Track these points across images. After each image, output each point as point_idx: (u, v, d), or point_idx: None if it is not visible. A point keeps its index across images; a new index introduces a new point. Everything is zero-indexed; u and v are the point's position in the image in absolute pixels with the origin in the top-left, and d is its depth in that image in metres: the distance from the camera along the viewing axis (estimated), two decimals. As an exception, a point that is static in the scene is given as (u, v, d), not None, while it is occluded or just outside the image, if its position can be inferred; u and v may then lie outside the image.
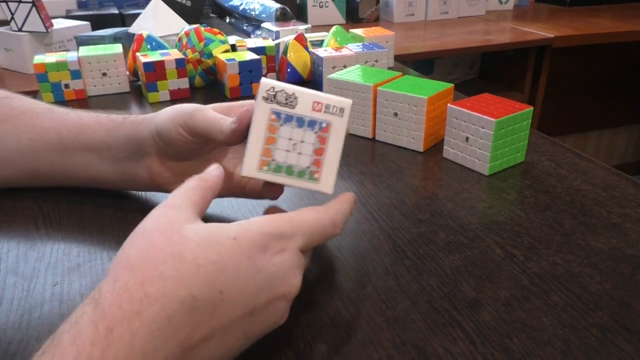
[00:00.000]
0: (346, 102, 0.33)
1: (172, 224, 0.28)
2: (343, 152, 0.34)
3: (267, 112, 0.32)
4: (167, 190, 0.43)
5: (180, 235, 0.27)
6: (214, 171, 0.33)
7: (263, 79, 0.32)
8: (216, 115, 0.37)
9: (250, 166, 0.33)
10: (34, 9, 1.10)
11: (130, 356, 0.23)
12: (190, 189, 0.31)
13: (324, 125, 0.33)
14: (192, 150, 0.41)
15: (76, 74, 0.76)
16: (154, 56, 0.75)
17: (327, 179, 0.33)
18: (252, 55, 0.77)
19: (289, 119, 0.32)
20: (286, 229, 0.29)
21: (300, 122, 0.32)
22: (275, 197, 0.39)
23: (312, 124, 0.33)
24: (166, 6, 1.12)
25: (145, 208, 0.47)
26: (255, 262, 0.27)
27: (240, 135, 0.35)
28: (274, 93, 0.32)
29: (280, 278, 0.28)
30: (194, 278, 0.25)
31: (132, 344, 0.23)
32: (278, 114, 0.32)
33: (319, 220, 0.31)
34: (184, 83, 0.76)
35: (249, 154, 0.33)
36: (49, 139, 0.45)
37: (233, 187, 0.42)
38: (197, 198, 0.31)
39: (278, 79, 0.84)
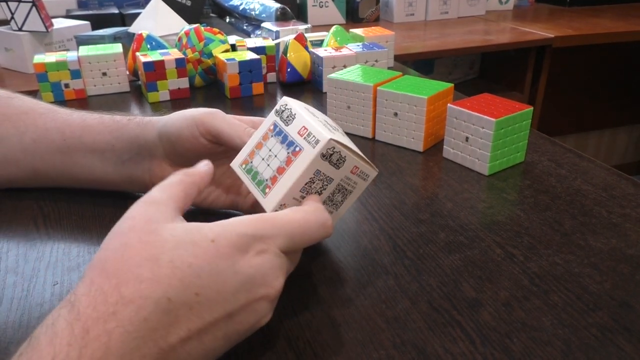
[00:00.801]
0: (324, 136, 0.32)
1: (150, 222, 0.27)
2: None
3: (271, 122, 0.35)
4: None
5: (156, 236, 0.27)
6: (202, 167, 0.33)
7: (285, 98, 0.35)
8: (237, 121, 0.39)
9: (237, 160, 0.36)
10: (34, 8, 1.10)
11: (107, 356, 0.23)
12: (174, 183, 0.31)
13: (297, 149, 0.33)
14: (198, 154, 0.40)
15: (76, 74, 0.76)
16: (153, 56, 0.75)
17: (273, 198, 0.33)
18: (252, 55, 0.77)
19: (279, 133, 0.34)
20: (267, 230, 0.29)
21: (284, 139, 0.34)
22: None
23: (290, 144, 0.33)
24: (166, 6, 1.12)
25: (145, 208, 0.47)
26: (232, 264, 0.27)
27: None
28: (283, 109, 0.35)
29: (260, 279, 0.28)
30: (169, 280, 0.25)
31: (109, 344, 0.23)
32: (275, 126, 0.35)
33: (304, 221, 0.31)
34: (184, 83, 0.76)
35: (242, 150, 0.36)
36: (52, 139, 0.46)
37: (230, 200, 0.43)
38: (179, 193, 0.30)
39: (278, 78, 0.84)
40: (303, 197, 0.33)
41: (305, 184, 0.33)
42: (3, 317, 0.34)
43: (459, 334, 0.32)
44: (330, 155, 0.33)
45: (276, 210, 0.32)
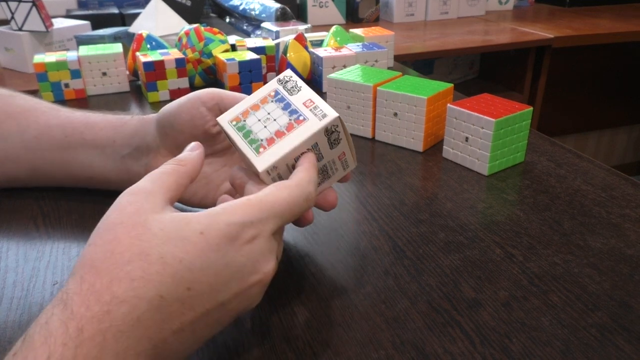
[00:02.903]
0: (332, 112, 0.33)
1: (138, 214, 0.27)
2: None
3: (271, 88, 0.35)
4: (189, 203, 0.43)
5: (145, 230, 0.26)
6: (193, 152, 0.32)
7: (289, 70, 0.36)
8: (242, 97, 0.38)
9: (226, 116, 0.35)
10: (34, 8, 1.10)
11: (102, 355, 0.23)
12: (165, 173, 0.30)
13: (300, 117, 0.34)
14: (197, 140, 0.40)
15: (76, 74, 0.76)
16: (153, 56, 0.75)
17: (267, 158, 0.33)
18: (252, 55, 0.77)
19: (280, 100, 0.35)
20: (255, 216, 0.28)
21: (287, 106, 0.34)
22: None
23: (293, 112, 0.34)
24: (166, 6, 1.12)
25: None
26: (223, 255, 0.27)
27: None
28: (287, 80, 0.35)
29: (251, 267, 0.28)
30: (161, 278, 0.25)
31: (103, 344, 0.23)
32: (277, 93, 0.35)
33: (290, 199, 0.30)
34: (183, 83, 0.76)
35: (233, 109, 0.35)
36: (53, 135, 0.46)
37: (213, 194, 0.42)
38: (171, 183, 0.30)
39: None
40: (292, 167, 0.33)
41: (302, 153, 0.33)
42: (3, 317, 0.34)
43: (458, 334, 0.32)
44: (331, 133, 0.33)
45: (267, 172, 0.32)
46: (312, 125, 0.33)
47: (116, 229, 0.26)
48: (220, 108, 0.39)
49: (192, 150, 0.33)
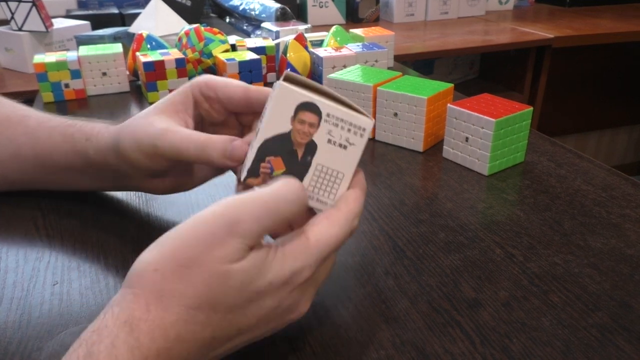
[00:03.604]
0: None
1: (222, 262, 0.25)
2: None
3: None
4: (179, 191, 0.41)
5: (223, 282, 0.25)
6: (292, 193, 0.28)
7: (371, 119, 0.30)
8: (191, 138, 0.33)
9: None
10: (34, 8, 1.10)
11: None
12: (266, 207, 0.27)
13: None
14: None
15: (76, 74, 0.76)
16: (153, 56, 0.75)
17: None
18: (252, 55, 0.77)
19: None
20: (314, 260, 0.28)
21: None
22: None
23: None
24: (166, 6, 1.12)
25: (146, 207, 0.47)
26: (277, 299, 0.27)
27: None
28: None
29: (294, 307, 0.29)
30: (220, 324, 0.26)
31: None
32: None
33: (340, 237, 0.29)
34: (183, 83, 0.76)
35: None
36: (26, 155, 0.44)
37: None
38: (266, 225, 0.27)
39: (278, 78, 0.83)
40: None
41: (356, 171, 0.31)
42: (3, 317, 0.34)
43: (458, 334, 0.32)
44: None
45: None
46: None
47: (192, 268, 0.25)
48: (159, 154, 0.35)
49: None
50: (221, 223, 0.26)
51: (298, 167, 0.30)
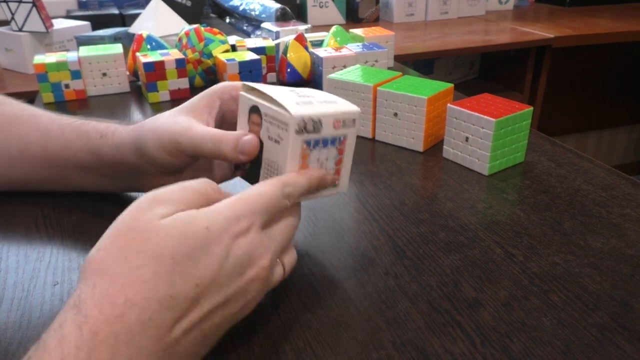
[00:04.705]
0: (355, 111, 0.35)
1: (150, 221, 0.27)
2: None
3: (299, 144, 0.33)
4: None
5: (157, 233, 0.26)
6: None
7: (294, 114, 0.31)
8: (208, 134, 0.35)
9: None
10: (34, 9, 1.10)
11: (115, 357, 0.23)
12: (196, 191, 0.30)
13: (342, 138, 0.35)
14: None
15: (76, 74, 0.76)
16: (154, 56, 0.75)
17: (344, 182, 0.36)
18: (252, 56, 0.77)
19: (317, 143, 0.34)
20: (245, 209, 0.29)
21: (325, 142, 0.34)
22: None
23: (333, 141, 0.34)
24: (166, 6, 1.12)
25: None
26: (224, 248, 0.28)
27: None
28: (304, 124, 0.32)
29: (248, 260, 0.29)
30: (170, 278, 0.26)
31: (117, 346, 0.23)
32: (308, 142, 0.33)
33: (267, 193, 0.31)
34: (184, 83, 0.76)
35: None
36: (36, 151, 0.44)
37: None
38: (195, 201, 0.29)
39: (278, 79, 0.84)
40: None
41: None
42: (3, 317, 0.34)
43: (458, 334, 0.32)
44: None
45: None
46: (353, 134, 0.35)
47: (128, 235, 0.27)
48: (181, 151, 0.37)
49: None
50: (143, 198, 0.29)
51: (258, 161, 0.35)
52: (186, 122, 0.36)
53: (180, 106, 0.39)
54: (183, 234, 0.27)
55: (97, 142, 0.42)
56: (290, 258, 0.33)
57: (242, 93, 0.35)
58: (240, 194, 0.30)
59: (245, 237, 0.29)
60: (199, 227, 0.27)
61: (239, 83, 0.38)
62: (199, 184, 0.30)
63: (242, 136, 0.34)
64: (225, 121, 0.40)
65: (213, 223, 0.28)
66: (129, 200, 0.48)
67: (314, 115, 0.33)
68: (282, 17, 1.21)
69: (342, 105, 0.35)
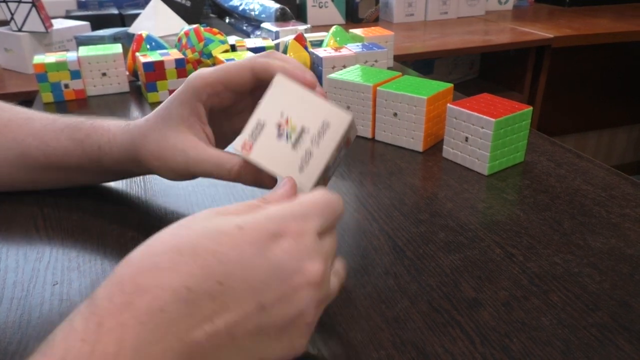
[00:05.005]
0: (348, 120, 0.34)
1: (191, 221, 0.26)
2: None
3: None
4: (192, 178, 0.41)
5: (187, 229, 0.25)
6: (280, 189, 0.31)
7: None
8: (214, 161, 0.37)
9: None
10: (33, 9, 1.10)
11: (121, 350, 0.21)
12: (256, 209, 0.28)
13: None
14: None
15: (76, 74, 0.76)
16: (153, 56, 0.75)
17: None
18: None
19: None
20: (298, 211, 0.27)
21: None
22: (270, 187, 0.37)
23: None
24: (166, 6, 1.12)
25: (146, 206, 0.47)
26: (262, 250, 0.25)
27: None
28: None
29: (295, 265, 0.25)
30: (188, 269, 0.23)
31: (122, 337, 0.21)
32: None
33: (330, 198, 0.29)
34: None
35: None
36: (35, 156, 0.44)
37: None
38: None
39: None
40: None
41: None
42: (3, 317, 0.34)
43: (458, 333, 0.32)
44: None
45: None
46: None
47: (164, 231, 0.26)
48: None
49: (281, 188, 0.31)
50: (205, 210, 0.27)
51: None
52: (191, 151, 0.37)
53: (163, 116, 0.38)
54: (210, 231, 0.25)
55: (96, 153, 0.42)
56: (341, 268, 0.32)
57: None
58: (299, 196, 0.29)
59: (296, 242, 0.26)
60: (230, 225, 0.25)
61: (209, 77, 0.37)
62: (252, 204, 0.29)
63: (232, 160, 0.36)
64: (211, 117, 0.39)
65: (248, 223, 0.26)
66: (129, 200, 0.49)
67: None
68: (281, 17, 1.21)
69: (334, 127, 0.33)
